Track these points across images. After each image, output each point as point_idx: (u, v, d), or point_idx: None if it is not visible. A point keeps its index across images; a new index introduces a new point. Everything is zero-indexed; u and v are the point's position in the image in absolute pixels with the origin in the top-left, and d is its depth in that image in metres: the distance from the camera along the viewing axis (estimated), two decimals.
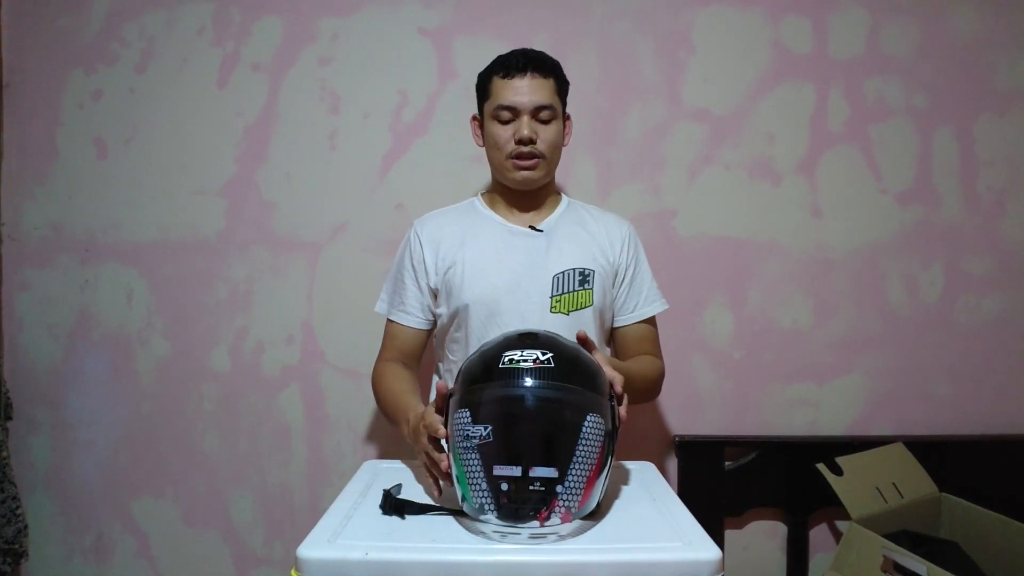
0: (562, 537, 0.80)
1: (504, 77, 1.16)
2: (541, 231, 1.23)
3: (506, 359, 0.84)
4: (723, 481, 1.61)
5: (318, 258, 1.63)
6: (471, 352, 0.94)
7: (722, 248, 1.65)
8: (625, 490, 0.99)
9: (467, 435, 0.81)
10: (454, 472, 0.83)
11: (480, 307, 1.18)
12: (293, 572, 0.77)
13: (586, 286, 1.19)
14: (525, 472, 0.78)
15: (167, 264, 1.63)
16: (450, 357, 1.25)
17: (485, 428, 0.80)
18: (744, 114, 1.65)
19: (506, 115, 1.16)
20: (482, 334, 1.15)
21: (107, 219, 1.63)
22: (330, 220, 1.63)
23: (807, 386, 1.67)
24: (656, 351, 1.29)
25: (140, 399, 1.64)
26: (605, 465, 0.83)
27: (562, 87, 1.21)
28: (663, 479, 1.06)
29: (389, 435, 1.64)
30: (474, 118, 1.27)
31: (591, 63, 1.63)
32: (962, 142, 1.67)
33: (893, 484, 1.46)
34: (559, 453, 0.80)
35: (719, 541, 1.51)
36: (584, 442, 0.81)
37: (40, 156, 1.62)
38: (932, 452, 1.55)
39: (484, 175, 1.30)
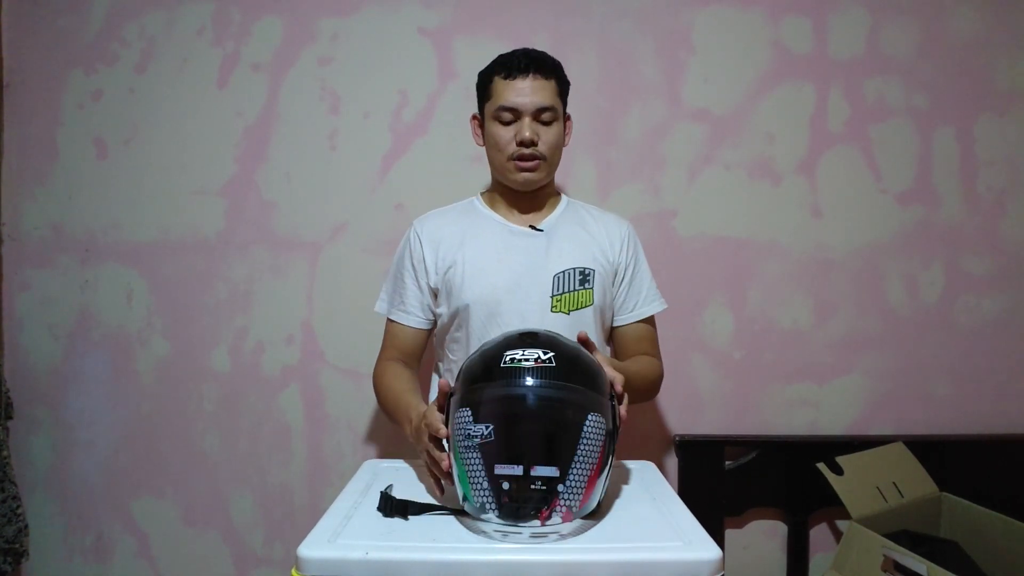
0: (563, 536, 0.80)
1: (506, 78, 1.15)
2: (541, 231, 1.23)
3: (507, 358, 0.84)
4: (723, 481, 1.61)
5: (318, 258, 1.63)
6: (471, 352, 0.94)
7: (722, 248, 1.65)
8: (625, 490, 0.99)
9: (468, 434, 0.81)
10: (455, 471, 0.83)
11: (480, 307, 1.18)
12: (293, 572, 0.77)
13: (586, 285, 1.19)
14: (526, 471, 0.78)
15: (167, 264, 1.63)
16: (450, 357, 1.25)
17: (486, 427, 0.80)
18: (744, 114, 1.65)
19: (508, 116, 1.16)
20: (482, 334, 1.15)
21: (107, 219, 1.63)
22: (330, 220, 1.63)
23: (807, 386, 1.67)
24: (655, 351, 1.29)
25: (140, 399, 1.64)
26: (606, 464, 0.83)
27: (563, 88, 1.21)
28: (663, 479, 1.06)
29: (389, 435, 1.64)
30: (474, 117, 1.27)
31: (591, 63, 1.63)
32: (962, 142, 1.67)
33: (893, 484, 1.46)
34: (560, 452, 0.80)
35: (719, 541, 1.51)
36: (585, 441, 0.81)
37: (40, 156, 1.62)
38: (932, 452, 1.55)
39: (484, 175, 1.30)
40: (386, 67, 1.62)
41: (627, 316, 1.27)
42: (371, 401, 1.62)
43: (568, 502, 0.79)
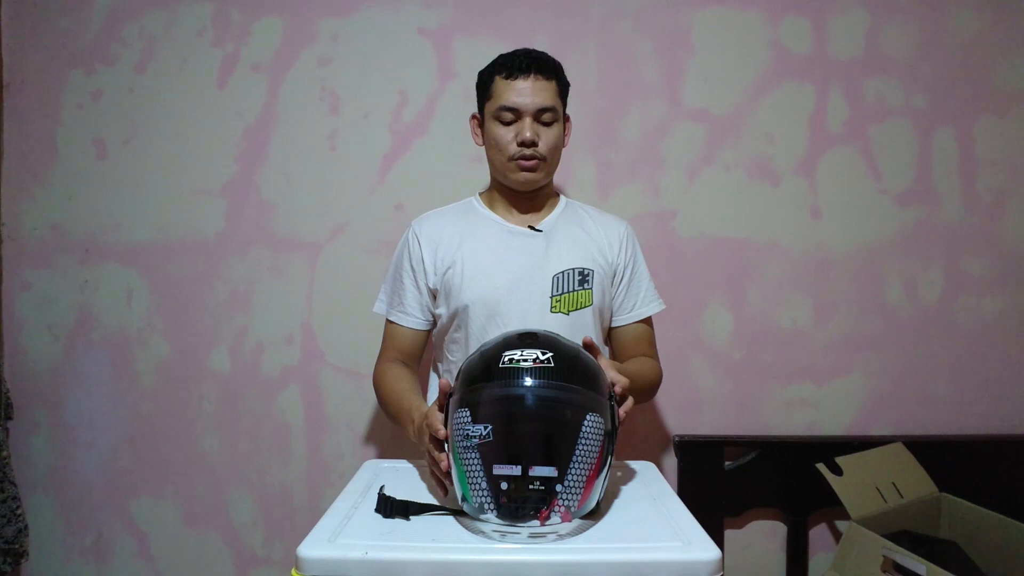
0: (561, 536, 0.80)
1: (507, 78, 1.15)
2: (540, 231, 1.23)
3: (506, 359, 0.84)
4: (723, 481, 1.61)
5: (318, 258, 1.63)
6: (471, 352, 0.94)
7: (722, 248, 1.65)
8: (625, 490, 0.99)
9: (467, 434, 0.81)
10: (454, 472, 0.83)
11: (480, 307, 1.17)
12: (293, 572, 0.77)
13: (586, 286, 1.19)
14: (525, 471, 0.78)
15: (167, 264, 1.63)
16: (449, 357, 1.25)
17: (485, 427, 0.80)
18: (744, 114, 1.65)
19: (508, 116, 1.16)
20: (482, 334, 1.16)
21: (107, 219, 1.63)
22: (330, 220, 1.63)
23: (807, 386, 1.67)
24: (653, 351, 1.29)
25: (140, 399, 1.64)
26: (605, 464, 0.83)
27: (563, 89, 1.21)
28: (663, 479, 1.06)
29: (389, 435, 1.64)
30: (474, 117, 1.27)
31: (591, 63, 1.63)
32: (962, 142, 1.67)
33: (893, 484, 1.46)
34: (559, 452, 0.80)
35: (719, 541, 1.51)
36: (584, 441, 0.81)
37: (40, 156, 1.62)
38: (932, 452, 1.55)
39: (484, 175, 1.30)
40: (386, 67, 1.62)
41: (626, 316, 1.27)
42: (371, 401, 1.62)
43: (567, 502, 0.79)
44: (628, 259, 1.26)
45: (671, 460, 1.65)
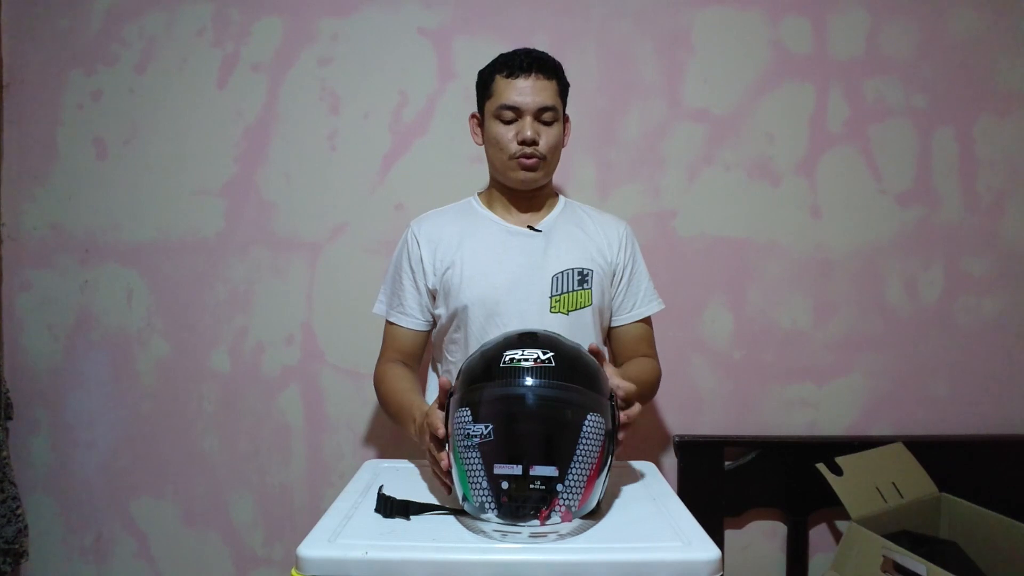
0: (562, 536, 0.80)
1: (508, 76, 1.15)
2: (540, 231, 1.23)
3: (507, 358, 0.84)
4: (723, 481, 1.61)
5: (318, 258, 1.63)
6: (470, 352, 0.94)
7: (722, 248, 1.65)
8: (625, 490, 0.99)
9: (468, 434, 0.81)
10: (455, 471, 0.83)
11: (479, 308, 1.17)
12: (293, 572, 0.77)
13: (585, 286, 1.19)
14: (525, 471, 0.78)
15: (167, 264, 1.63)
16: (449, 358, 1.25)
17: (486, 427, 0.80)
18: (744, 114, 1.65)
19: (509, 115, 1.16)
20: (481, 335, 1.15)
21: (107, 219, 1.63)
22: (330, 220, 1.63)
23: (807, 386, 1.67)
24: (652, 351, 1.29)
25: (140, 399, 1.64)
26: (605, 464, 0.83)
27: (563, 89, 1.21)
28: (663, 479, 1.06)
29: (389, 435, 1.64)
30: (473, 116, 1.27)
31: (591, 63, 1.63)
32: (962, 142, 1.67)
33: (893, 484, 1.46)
34: (559, 452, 0.80)
35: (719, 541, 1.51)
36: (584, 441, 0.81)
37: (40, 156, 1.62)
38: (932, 452, 1.55)
39: (484, 175, 1.30)
40: (386, 67, 1.62)
41: (625, 316, 1.27)
42: (371, 401, 1.62)
43: (567, 502, 0.79)
44: (627, 259, 1.26)
45: (671, 460, 1.65)
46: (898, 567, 1.22)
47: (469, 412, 0.82)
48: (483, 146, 1.24)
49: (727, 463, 1.62)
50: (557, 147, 1.20)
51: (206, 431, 1.64)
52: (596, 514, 0.87)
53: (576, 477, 0.79)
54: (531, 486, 0.78)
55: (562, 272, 1.19)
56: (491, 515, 0.79)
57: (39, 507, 1.63)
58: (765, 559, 1.66)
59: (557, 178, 1.30)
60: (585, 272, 1.20)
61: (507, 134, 1.16)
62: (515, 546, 0.78)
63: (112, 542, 1.65)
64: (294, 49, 1.62)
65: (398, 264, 1.27)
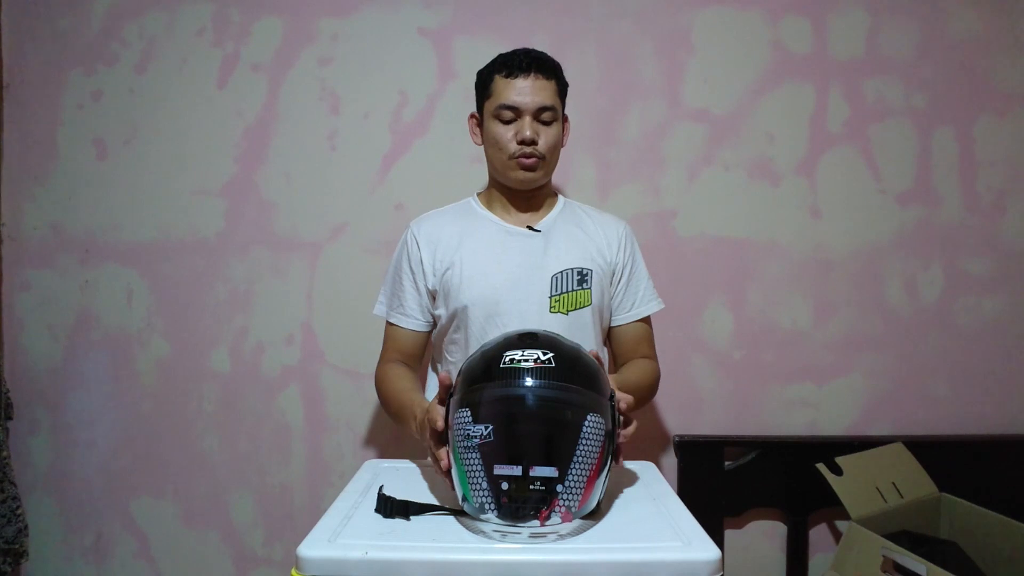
0: (562, 537, 0.80)
1: (507, 76, 1.15)
2: (539, 231, 1.23)
3: (507, 359, 0.84)
4: (723, 481, 1.61)
5: (318, 258, 1.63)
6: (470, 353, 0.94)
7: (722, 248, 1.65)
8: (625, 490, 0.99)
9: (468, 434, 0.81)
10: (455, 471, 0.83)
11: (479, 308, 1.17)
12: (293, 572, 0.77)
13: (584, 286, 1.19)
14: (526, 472, 0.78)
15: (167, 264, 1.63)
16: (448, 358, 1.25)
17: (486, 427, 0.80)
18: (744, 114, 1.65)
19: (508, 115, 1.16)
20: (481, 335, 1.15)
21: (107, 219, 1.63)
22: (330, 220, 1.63)
23: (807, 386, 1.67)
24: (651, 351, 1.29)
25: (140, 399, 1.64)
26: (605, 465, 0.83)
27: (563, 89, 1.22)
28: (663, 479, 1.06)
29: (389, 435, 1.64)
30: (472, 116, 1.27)
31: (591, 63, 1.63)
32: (962, 142, 1.67)
33: (893, 484, 1.46)
34: (560, 453, 0.80)
35: (719, 541, 1.51)
36: (585, 442, 0.81)
37: (40, 156, 1.62)
38: (932, 452, 1.55)
39: (484, 175, 1.30)
40: (386, 67, 1.62)
41: (624, 316, 1.27)
42: (371, 401, 1.62)
43: (567, 502, 0.79)
44: (627, 258, 1.26)
45: (671, 460, 1.65)
46: (898, 567, 1.22)
47: (469, 413, 0.82)
48: (482, 146, 1.24)
49: (727, 463, 1.62)
50: (556, 147, 1.20)
51: (206, 431, 1.64)
52: (596, 514, 0.87)
53: (576, 478, 0.79)
54: (531, 487, 0.78)
55: (561, 272, 1.19)
56: (491, 515, 0.79)
57: (39, 507, 1.63)
58: (765, 559, 1.66)
59: (557, 178, 1.30)
60: (585, 272, 1.20)
61: (506, 134, 1.16)
62: (515, 546, 0.78)
63: (112, 542, 1.65)
64: (294, 49, 1.62)
65: (398, 265, 1.27)
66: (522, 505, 0.78)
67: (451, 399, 0.87)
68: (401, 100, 1.63)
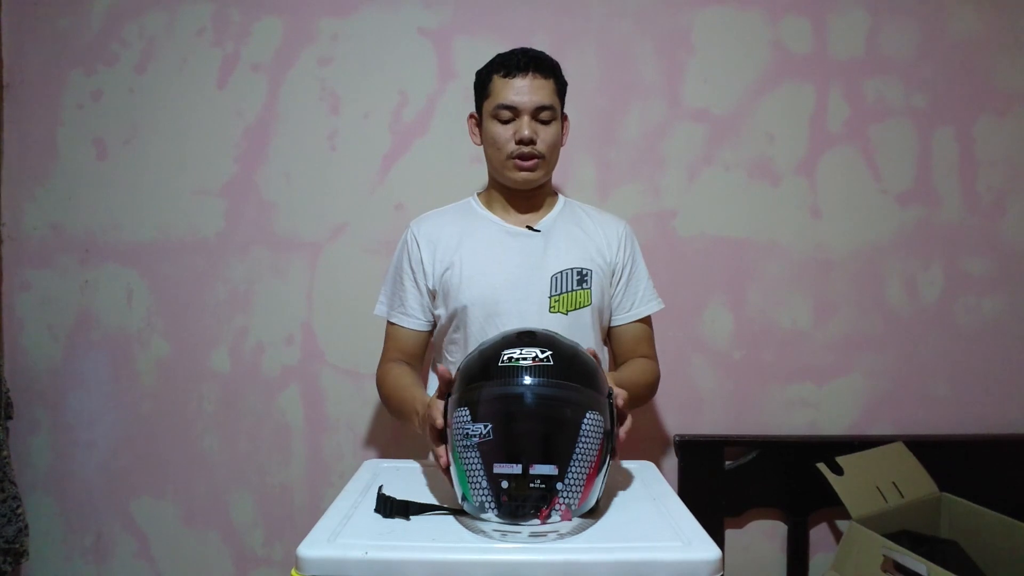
0: (562, 536, 0.80)
1: (505, 76, 1.15)
2: (538, 231, 1.23)
3: (505, 357, 0.83)
4: (723, 481, 1.61)
5: (318, 258, 1.63)
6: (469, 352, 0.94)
7: (722, 248, 1.65)
8: (625, 490, 0.99)
9: (467, 433, 0.81)
10: (454, 470, 0.83)
11: (479, 308, 1.17)
12: (293, 572, 0.77)
13: (584, 286, 1.19)
14: (525, 470, 0.78)
15: (167, 264, 1.63)
16: (448, 358, 1.25)
17: (485, 426, 0.80)
18: (744, 114, 1.65)
19: (506, 114, 1.16)
20: (480, 335, 1.15)
21: (107, 219, 1.63)
22: (330, 220, 1.63)
23: (807, 386, 1.67)
24: (651, 351, 1.29)
25: (140, 399, 1.64)
26: (604, 463, 0.83)
27: (561, 88, 1.21)
28: (663, 479, 1.06)
29: (389, 435, 1.64)
30: (471, 116, 1.27)
31: (591, 63, 1.63)
32: (962, 142, 1.67)
33: (893, 484, 1.46)
34: (559, 451, 0.80)
35: (719, 541, 1.51)
36: (584, 440, 0.81)
37: (40, 156, 1.62)
38: (932, 452, 1.55)
39: (484, 175, 1.30)
40: (386, 67, 1.62)
41: (624, 316, 1.27)
42: (371, 401, 1.62)
43: (567, 500, 0.79)
44: (627, 258, 1.26)
45: (671, 460, 1.65)
46: (898, 567, 1.22)
47: (468, 412, 0.82)
48: (482, 146, 1.24)
49: (727, 463, 1.62)
50: (555, 146, 1.20)
51: (206, 431, 1.64)
52: (596, 514, 0.87)
53: (575, 476, 0.79)
54: (531, 485, 0.78)
55: (561, 272, 1.19)
56: (491, 515, 0.79)
57: (39, 507, 1.63)
58: (765, 559, 1.66)
59: (557, 178, 1.30)
60: (584, 272, 1.20)
61: (504, 134, 1.16)
62: (515, 546, 0.78)
63: (112, 542, 1.65)
64: (294, 49, 1.62)
65: (398, 265, 1.27)
66: (522, 504, 0.78)
67: (449, 398, 0.87)
68: (401, 100, 1.63)
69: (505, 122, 1.16)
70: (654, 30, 1.64)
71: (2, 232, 1.63)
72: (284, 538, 1.64)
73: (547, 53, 1.20)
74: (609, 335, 1.29)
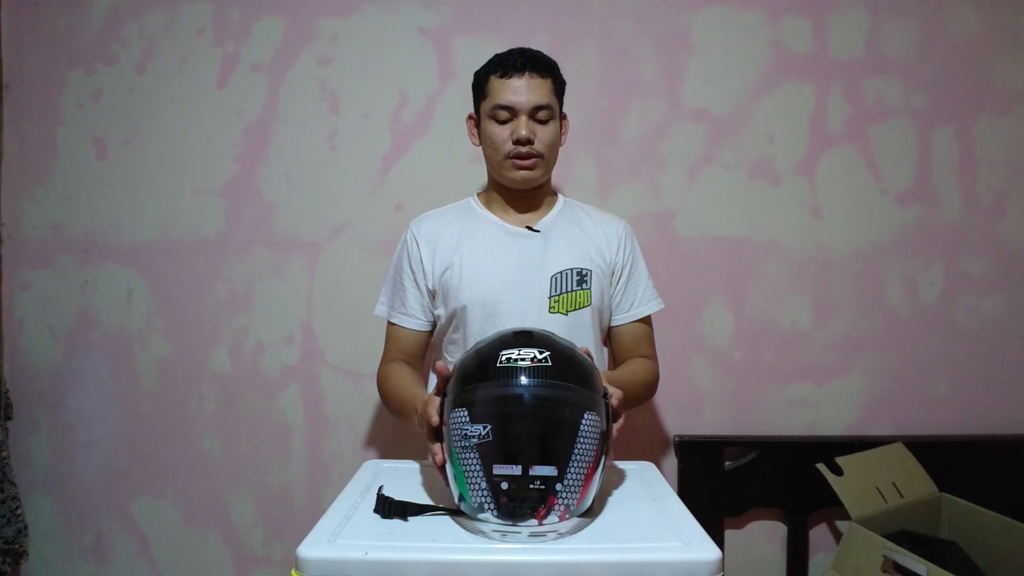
0: (561, 535, 0.80)
1: (502, 76, 1.15)
2: (538, 231, 1.23)
3: (503, 358, 0.83)
4: (723, 481, 1.61)
5: (318, 258, 1.63)
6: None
7: (722, 248, 1.65)
8: (625, 490, 0.99)
9: (466, 434, 0.81)
10: (452, 471, 0.83)
11: (478, 308, 1.17)
12: (293, 572, 0.77)
13: (584, 286, 1.19)
14: (525, 471, 0.78)
15: (167, 264, 1.63)
16: (448, 359, 1.25)
17: (484, 427, 0.80)
18: (744, 114, 1.65)
19: (504, 115, 1.15)
20: (480, 335, 1.14)
21: (107, 219, 1.63)
22: (330, 220, 1.63)
23: (807, 386, 1.67)
24: (651, 351, 1.29)
25: (140, 399, 1.64)
26: (600, 463, 0.83)
27: (559, 87, 1.21)
28: (663, 479, 1.06)
29: (389, 435, 1.64)
30: (470, 117, 1.26)
31: (591, 63, 1.63)
32: (962, 142, 1.67)
33: (893, 484, 1.46)
34: (559, 451, 0.80)
35: (719, 541, 1.51)
36: (582, 440, 0.81)
37: (40, 156, 1.62)
38: (932, 452, 1.55)
39: (484, 175, 1.30)
40: (386, 67, 1.62)
41: (624, 316, 1.26)
42: (371, 401, 1.62)
43: (566, 501, 0.79)
44: (627, 258, 1.26)
45: (671, 460, 1.65)
46: (898, 567, 1.22)
47: (466, 412, 0.82)
48: (480, 147, 1.24)
49: (727, 463, 1.62)
50: (554, 145, 1.19)
51: (206, 431, 1.64)
52: (596, 514, 0.87)
53: (574, 476, 0.79)
54: (531, 486, 0.78)
55: (561, 272, 1.19)
56: (489, 515, 0.79)
57: (39, 507, 1.63)
58: (765, 559, 1.66)
59: (557, 178, 1.30)
60: (584, 272, 1.20)
61: (502, 134, 1.16)
62: (516, 546, 0.78)
63: (112, 542, 1.65)
64: (294, 49, 1.62)
65: (398, 265, 1.27)
66: (520, 504, 0.78)
67: (446, 399, 0.87)
68: (401, 100, 1.63)
69: (503, 122, 1.16)
70: (654, 30, 1.64)
71: (2, 232, 1.63)
72: (284, 538, 1.64)
73: (547, 53, 1.20)
74: (609, 335, 1.29)
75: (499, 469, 0.78)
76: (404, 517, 0.87)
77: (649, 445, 1.66)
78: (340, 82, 1.63)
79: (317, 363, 1.64)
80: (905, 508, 1.44)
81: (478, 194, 1.31)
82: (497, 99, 1.15)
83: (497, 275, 1.18)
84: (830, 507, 1.48)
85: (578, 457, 0.80)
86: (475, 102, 1.23)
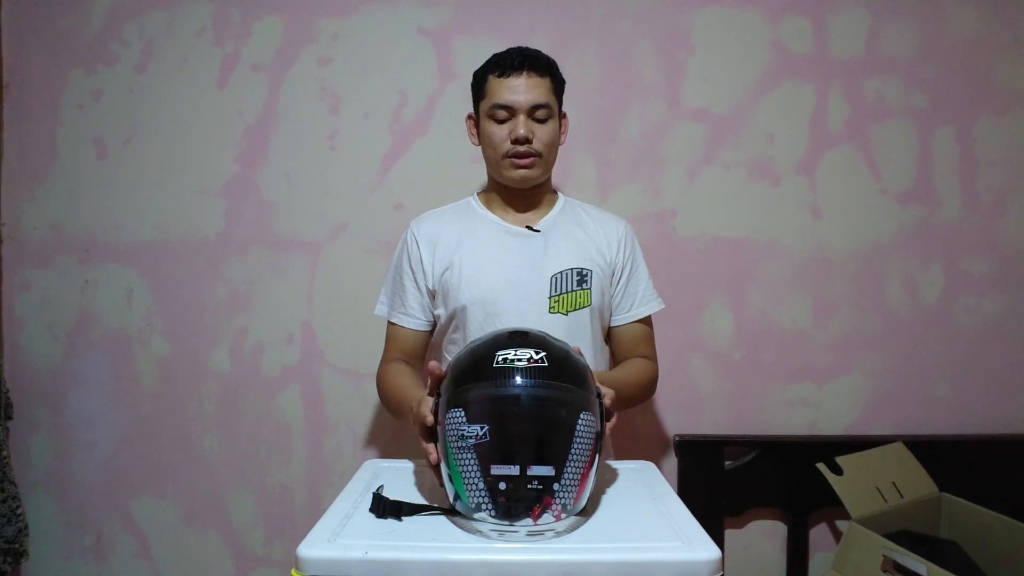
0: (559, 534, 0.80)
1: (500, 76, 1.15)
2: (538, 231, 1.23)
3: (499, 358, 0.83)
4: (723, 481, 1.61)
5: (318, 258, 1.63)
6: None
7: (722, 248, 1.65)
8: (625, 489, 0.99)
9: (462, 435, 0.81)
10: (446, 471, 0.83)
11: (478, 308, 1.17)
12: (293, 572, 0.77)
13: (584, 286, 1.19)
14: (523, 471, 0.78)
15: (167, 264, 1.63)
16: (448, 359, 1.25)
17: (481, 428, 0.80)
18: (744, 114, 1.65)
19: (502, 114, 1.15)
20: (480, 335, 1.15)
21: (107, 219, 1.63)
22: (330, 220, 1.63)
23: (807, 386, 1.67)
24: (651, 351, 1.29)
25: (140, 399, 1.64)
26: (595, 462, 0.83)
27: (558, 86, 1.21)
28: (663, 479, 1.06)
29: (389, 435, 1.64)
30: (469, 117, 1.26)
31: (591, 63, 1.63)
32: (962, 142, 1.67)
33: (893, 484, 1.46)
34: (556, 452, 0.80)
35: (719, 541, 1.51)
36: (578, 440, 0.81)
37: (40, 156, 1.62)
38: (932, 452, 1.55)
39: (484, 175, 1.30)
40: (386, 67, 1.62)
41: (624, 316, 1.26)
42: (371, 401, 1.62)
43: (563, 500, 0.79)
44: (627, 258, 1.26)
45: (671, 460, 1.65)
46: (898, 567, 1.22)
47: (462, 413, 0.82)
48: (480, 146, 1.24)
49: (727, 463, 1.62)
50: (553, 144, 1.19)
51: (206, 431, 1.64)
52: (596, 514, 0.87)
53: (571, 476, 0.80)
54: (528, 486, 0.78)
55: (561, 272, 1.19)
56: (486, 515, 0.79)
57: (39, 507, 1.63)
58: (765, 559, 1.66)
59: (557, 178, 1.30)
60: (584, 272, 1.20)
61: (501, 133, 1.16)
62: (515, 546, 0.78)
63: (112, 542, 1.65)
64: (294, 49, 1.62)
65: (398, 265, 1.27)
66: (517, 504, 0.78)
67: (441, 399, 0.86)
68: (401, 100, 1.63)
69: (501, 121, 1.16)
70: (654, 30, 1.64)
71: (2, 232, 1.63)
72: (284, 538, 1.64)
73: (547, 53, 1.20)
74: (609, 335, 1.29)
75: (497, 469, 0.79)
76: (399, 517, 0.87)
77: (649, 445, 1.66)
78: (340, 82, 1.63)
79: (317, 363, 1.64)
80: (905, 508, 1.44)
81: (478, 194, 1.31)
82: (495, 98, 1.15)
83: (497, 275, 1.18)
84: (830, 507, 1.48)
85: (574, 457, 0.80)
86: (474, 102, 1.23)
